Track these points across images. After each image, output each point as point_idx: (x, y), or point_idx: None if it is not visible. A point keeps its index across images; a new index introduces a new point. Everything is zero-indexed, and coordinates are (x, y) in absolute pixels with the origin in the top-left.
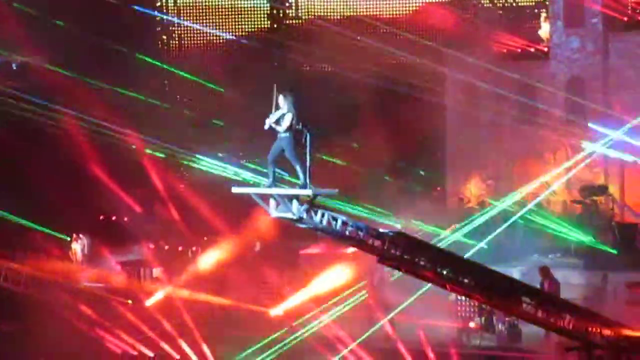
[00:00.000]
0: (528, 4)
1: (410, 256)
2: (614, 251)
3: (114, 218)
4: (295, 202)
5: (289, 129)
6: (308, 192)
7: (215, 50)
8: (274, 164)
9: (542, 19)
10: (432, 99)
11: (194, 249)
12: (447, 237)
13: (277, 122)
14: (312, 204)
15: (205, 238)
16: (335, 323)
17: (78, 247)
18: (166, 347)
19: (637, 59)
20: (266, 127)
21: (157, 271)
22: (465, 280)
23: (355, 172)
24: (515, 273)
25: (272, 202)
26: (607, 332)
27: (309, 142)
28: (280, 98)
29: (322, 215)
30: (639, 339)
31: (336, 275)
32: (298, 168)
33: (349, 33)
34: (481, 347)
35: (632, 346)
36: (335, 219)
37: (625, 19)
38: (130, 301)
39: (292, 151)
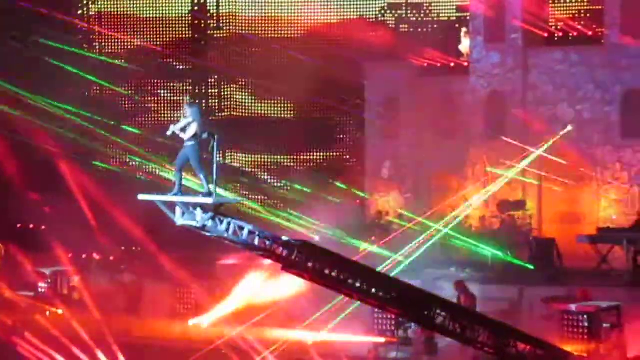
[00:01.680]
0: (449, 18)
1: (315, 265)
2: (531, 266)
3: (31, 226)
4: (199, 210)
5: (194, 137)
6: (209, 200)
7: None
8: (180, 172)
9: (462, 34)
10: (352, 111)
11: (111, 258)
12: (366, 250)
13: (183, 130)
14: (216, 213)
15: (122, 247)
16: (251, 333)
17: None
18: (84, 358)
19: (556, 74)
20: (169, 133)
21: (75, 280)
22: (375, 291)
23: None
24: (434, 288)
25: (178, 210)
26: (522, 346)
27: (215, 149)
28: (186, 107)
29: (228, 224)
30: (554, 354)
31: (253, 285)
32: (202, 176)
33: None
34: None
35: None
36: (242, 228)
37: (545, 34)
38: (60, 310)
39: (197, 159)
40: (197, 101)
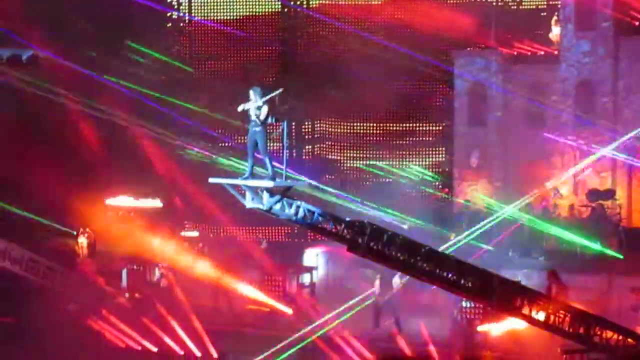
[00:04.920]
0: (540, 6)
1: (379, 246)
2: (620, 256)
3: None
4: (265, 193)
5: (264, 122)
6: (270, 184)
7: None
8: (252, 156)
9: (553, 22)
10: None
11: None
12: (455, 238)
13: (257, 115)
14: (284, 196)
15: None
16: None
17: (85, 241)
18: (169, 341)
19: None
20: (252, 119)
21: (161, 266)
22: (445, 275)
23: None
24: (520, 276)
25: (248, 193)
26: (611, 335)
27: (285, 134)
28: (251, 92)
29: (297, 207)
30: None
31: None
32: (267, 160)
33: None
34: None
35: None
36: (312, 212)
37: (636, 22)
38: (137, 294)
39: (264, 143)
40: (261, 86)
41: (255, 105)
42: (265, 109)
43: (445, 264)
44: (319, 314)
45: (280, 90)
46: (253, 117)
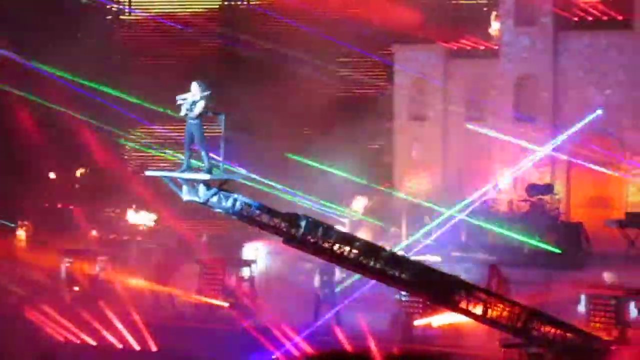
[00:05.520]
0: (480, 1)
1: (315, 239)
2: (559, 250)
3: (59, 205)
4: (202, 186)
5: (200, 115)
6: (206, 176)
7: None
8: (189, 149)
9: (493, 17)
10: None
11: (139, 239)
12: (394, 232)
13: (190, 108)
14: (221, 189)
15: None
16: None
17: (23, 233)
18: (109, 336)
19: (586, 59)
20: (182, 113)
21: (102, 259)
22: (378, 266)
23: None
24: (459, 270)
25: (184, 186)
26: (550, 329)
27: (224, 127)
28: (194, 85)
29: (234, 201)
30: (582, 338)
31: None
32: (204, 154)
33: None
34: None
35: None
36: (249, 205)
37: (576, 18)
38: (76, 288)
39: (200, 136)
40: (205, 80)
41: (192, 99)
42: (201, 104)
43: (382, 257)
44: (259, 308)
45: (209, 92)
46: (184, 112)
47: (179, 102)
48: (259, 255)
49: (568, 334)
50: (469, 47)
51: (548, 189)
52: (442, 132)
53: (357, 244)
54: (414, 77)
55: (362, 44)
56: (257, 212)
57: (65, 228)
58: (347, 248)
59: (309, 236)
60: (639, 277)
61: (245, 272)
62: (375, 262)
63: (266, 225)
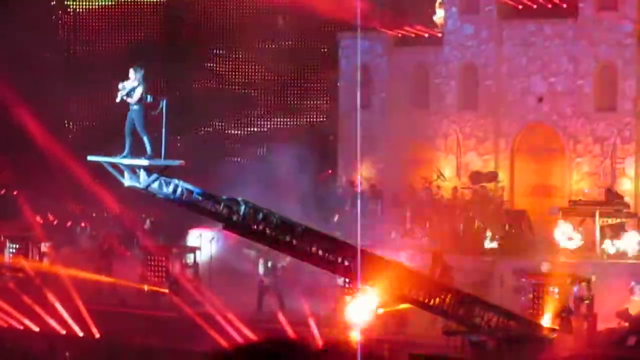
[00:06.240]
0: None
1: (255, 224)
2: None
3: (2, 192)
4: (142, 172)
5: (140, 101)
6: (144, 162)
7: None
8: (130, 135)
9: (437, 4)
10: (325, 82)
11: (82, 224)
12: (337, 220)
13: (129, 94)
14: (162, 175)
15: (93, 214)
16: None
17: None
18: (52, 322)
19: (530, 47)
20: (118, 99)
21: (44, 246)
22: (315, 251)
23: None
24: (403, 257)
25: (126, 172)
26: (492, 317)
27: (165, 112)
28: (131, 71)
29: (175, 187)
30: (525, 326)
31: None
32: (145, 139)
33: None
34: None
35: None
36: (191, 191)
37: (520, 7)
38: (20, 274)
39: (141, 122)
40: (142, 65)
41: (131, 85)
42: (139, 90)
43: (324, 243)
44: (202, 295)
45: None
46: (119, 98)
47: (120, 89)
48: (203, 242)
49: (510, 322)
50: (413, 35)
51: (491, 176)
52: (386, 119)
53: (299, 230)
54: (359, 65)
55: (307, 31)
56: (199, 198)
57: (9, 214)
58: (288, 234)
59: (248, 221)
60: (579, 265)
61: (190, 259)
62: (317, 248)
63: (208, 211)
